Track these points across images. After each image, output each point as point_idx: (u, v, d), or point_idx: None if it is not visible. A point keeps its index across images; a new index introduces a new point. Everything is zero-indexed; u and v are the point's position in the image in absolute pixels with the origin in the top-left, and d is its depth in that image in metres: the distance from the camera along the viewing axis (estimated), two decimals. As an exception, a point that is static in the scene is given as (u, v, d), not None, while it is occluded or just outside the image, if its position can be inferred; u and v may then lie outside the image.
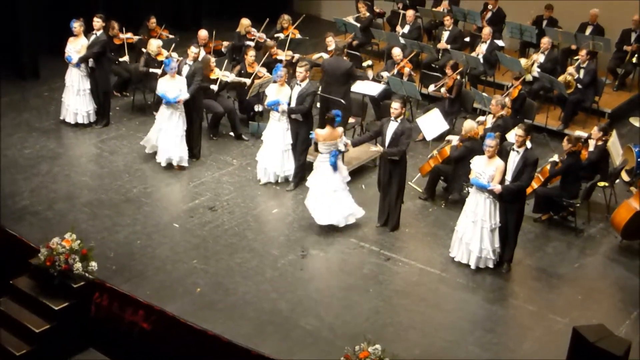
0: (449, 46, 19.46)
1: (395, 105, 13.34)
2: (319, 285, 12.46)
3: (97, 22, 16.45)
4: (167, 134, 15.15)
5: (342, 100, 15.31)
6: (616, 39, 19.35)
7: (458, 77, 17.04)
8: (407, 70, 17.38)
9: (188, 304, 11.77)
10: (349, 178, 14.09)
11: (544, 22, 20.01)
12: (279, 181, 15.05)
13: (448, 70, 17.07)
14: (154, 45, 16.70)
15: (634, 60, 19.17)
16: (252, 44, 18.44)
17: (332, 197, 13.61)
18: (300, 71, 14.77)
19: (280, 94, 14.76)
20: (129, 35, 18.20)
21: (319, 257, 13.16)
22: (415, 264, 13.06)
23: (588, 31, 19.40)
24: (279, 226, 13.97)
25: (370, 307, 11.98)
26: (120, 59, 17.88)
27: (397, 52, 17.76)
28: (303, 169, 14.96)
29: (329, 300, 12.11)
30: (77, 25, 16.36)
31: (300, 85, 14.76)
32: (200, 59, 15.92)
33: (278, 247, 13.38)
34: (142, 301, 11.05)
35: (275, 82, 14.98)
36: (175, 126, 15.10)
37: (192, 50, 15.47)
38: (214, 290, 12.17)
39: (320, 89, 15.93)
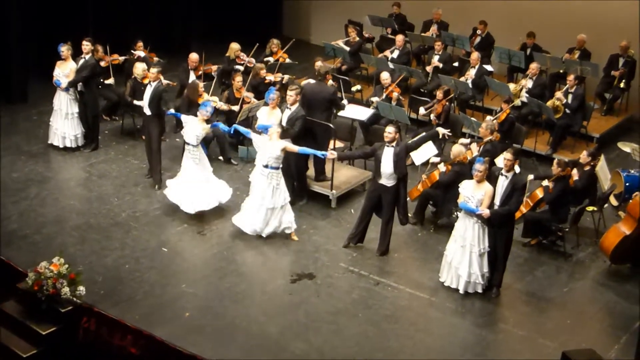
0: (440, 64, 19.52)
1: (390, 130, 13.33)
2: (308, 310, 12.41)
3: (86, 45, 16.49)
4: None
5: (331, 125, 15.31)
6: (604, 64, 19.43)
7: (447, 103, 17.07)
8: (395, 94, 17.40)
9: (177, 328, 11.71)
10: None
11: (528, 50, 20.08)
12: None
13: (439, 95, 17.07)
14: (139, 68, 16.64)
15: (622, 85, 19.25)
16: (241, 68, 18.45)
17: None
18: (291, 95, 14.77)
19: (272, 117, 14.75)
20: (115, 56, 18.18)
21: (308, 281, 13.12)
22: (405, 289, 13.04)
23: (576, 56, 19.48)
24: (267, 250, 13.93)
25: (359, 332, 11.95)
26: (106, 82, 17.82)
27: (385, 76, 17.78)
28: (304, 190, 15.03)
29: (318, 324, 12.07)
30: (65, 49, 16.36)
31: (290, 109, 14.76)
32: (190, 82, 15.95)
33: (267, 271, 13.36)
34: (131, 326, 11.01)
35: (267, 104, 15.00)
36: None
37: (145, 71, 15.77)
38: (203, 314, 12.12)
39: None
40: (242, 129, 14.46)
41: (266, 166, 13.72)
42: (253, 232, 14.04)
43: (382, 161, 13.31)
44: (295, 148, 13.95)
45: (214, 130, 15.11)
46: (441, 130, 14.93)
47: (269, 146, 13.70)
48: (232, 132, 14.54)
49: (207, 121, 14.39)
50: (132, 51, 18.32)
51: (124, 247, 13.71)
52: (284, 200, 13.95)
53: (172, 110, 15.11)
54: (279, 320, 12.09)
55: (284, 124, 14.62)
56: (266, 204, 13.82)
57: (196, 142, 14.30)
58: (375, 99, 17.39)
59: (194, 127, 14.32)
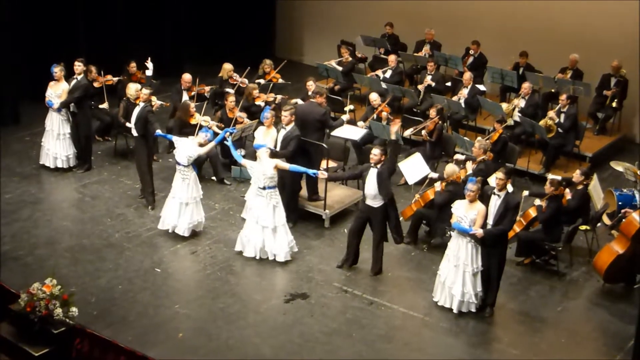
0: (433, 83, 19.55)
1: (375, 152, 13.35)
2: (302, 330, 12.38)
3: (78, 66, 16.51)
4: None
5: (324, 145, 15.33)
6: (596, 83, 19.49)
7: (440, 121, 17.09)
8: (384, 114, 17.39)
9: (170, 349, 11.69)
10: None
11: (521, 69, 20.14)
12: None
13: (432, 113, 17.10)
14: (132, 89, 16.59)
15: (614, 104, 19.31)
16: (231, 90, 18.39)
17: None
18: (286, 115, 14.81)
19: (267, 136, 14.83)
20: (109, 77, 18.19)
21: (302, 301, 13.10)
22: (398, 308, 13.02)
23: (568, 76, 19.54)
24: (261, 270, 13.90)
25: (353, 352, 11.92)
26: (100, 106, 17.79)
27: (374, 97, 17.79)
28: (294, 212, 15.05)
29: (312, 345, 12.04)
30: (57, 70, 16.37)
31: (285, 128, 14.80)
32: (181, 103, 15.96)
33: (261, 292, 13.33)
34: (124, 347, 10.97)
35: (262, 123, 15.04)
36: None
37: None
38: (197, 335, 12.09)
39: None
40: (234, 153, 14.48)
41: (263, 188, 13.74)
42: (255, 254, 14.07)
43: (367, 182, 13.36)
44: (286, 165, 13.98)
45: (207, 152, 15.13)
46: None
47: (261, 167, 13.71)
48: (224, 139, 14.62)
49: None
50: (127, 70, 18.36)
51: (117, 268, 13.68)
52: (283, 219, 13.99)
53: (159, 132, 15.02)
54: (273, 341, 12.06)
55: (279, 143, 14.65)
56: (268, 224, 13.86)
57: (187, 162, 14.30)
58: (360, 124, 17.38)
59: (186, 148, 14.33)
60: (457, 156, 15.98)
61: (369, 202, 13.45)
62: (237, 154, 14.53)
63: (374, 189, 13.29)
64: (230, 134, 14.92)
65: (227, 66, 19.03)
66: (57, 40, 19.67)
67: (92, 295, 12.81)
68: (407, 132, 17.52)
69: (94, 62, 18.01)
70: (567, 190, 14.46)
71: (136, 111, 15.29)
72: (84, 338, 11.15)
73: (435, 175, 15.20)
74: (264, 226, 13.89)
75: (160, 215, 14.82)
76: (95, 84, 17.82)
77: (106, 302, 12.72)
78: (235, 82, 18.83)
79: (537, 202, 14.12)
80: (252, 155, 14.82)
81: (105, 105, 17.82)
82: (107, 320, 12.23)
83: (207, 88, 18.60)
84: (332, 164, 16.12)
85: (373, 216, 13.52)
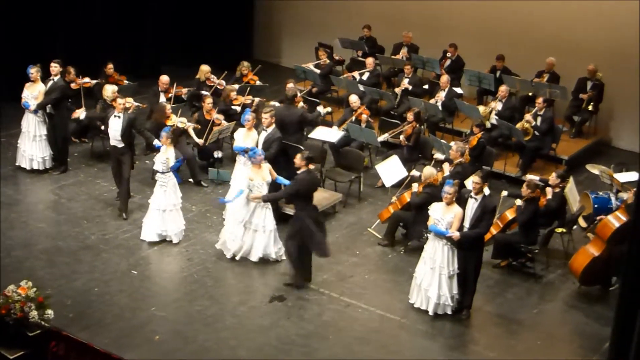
0: (410, 86, 19.57)
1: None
2: (279, 333, 12.36)
3: (55, 67, 16.42)
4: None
5: (301, 147, 15.34)
6: (572, 87, 19.58)
7: (417, 125, 17.12)
8: (364, 117, 17.42)
9: (147, 352, 11.64)
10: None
11: (498, 72, 20.22)
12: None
13: (409, 117, 17.12)
14: (109, 90, 16.49)
15: (590, 108, 19.40)
16: (207, 93, 18.35)
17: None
18: (266, 117, 14.82)
19: (248, 138, 14.84)
20: (87, 79, 18.13)
21: (279, 304, 13.08)
22: (375, 310, 13.03)
23: (545, 79, 19.62)
24: (237, 273, 13.88)
25: (330, 354, 11.92)
26: (74, 116, 17.55)
27: (354, 99, 17.79)
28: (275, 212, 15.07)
29: (289, 347, 12.03)
30: (34, 71, 16.28)
31: (266, 130, 14.81)
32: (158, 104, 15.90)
33: (238, 294, 13.31)
34: (100, 350, 10.94)
35: (241, 126, 15.05)
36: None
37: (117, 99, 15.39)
38: (173, 338, 12.05)
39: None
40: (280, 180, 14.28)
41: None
42: (238, 253, 14.05)
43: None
44: (274, 175, 13.97)
45: (184, 152, 15.07)
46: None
47: (259, 174, 13.77)
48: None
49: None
50: (104, 71, 18.32)
51: (93, 270, 13.62)
52: (272, 222, 13.98)
53: (157, 142, 14.69)
54: (250, 344, 12.04)
55: (260, 145, 14.68)
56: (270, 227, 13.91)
57: (161, 168, 14.23)
58: (335, 127, 17.40)
59: (160, 154, 14.31)
60: (437, 155, 16.04)
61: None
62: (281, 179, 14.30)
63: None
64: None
65: (205, 68, 19.01)
66: (33, 41, 19.58)
67: (68, 298, 12.74)
68: (385, 137, 17.51)
69: (71, 63, 17.94)
70: (548, 189, 14.50)
71: (117, 122, 14.96)
72: (60, 341, 11.11)
73: (417, 173, 15.17)
74: (270, 230, 13.90)
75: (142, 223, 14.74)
76: (73, 86, 17.76)
77: (82, 304, 12.65)
78: (212, 84, 18.81)
79: (519, 202, 14.14)
80: (231, 158, 14.85)
81: (80, 112, 17.45)
82: (83, 323, 12.15)
83: (185, 90, 18.56)
84: (310, 166, 16.07)
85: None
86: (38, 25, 19.86)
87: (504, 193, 14.61)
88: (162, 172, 14.21)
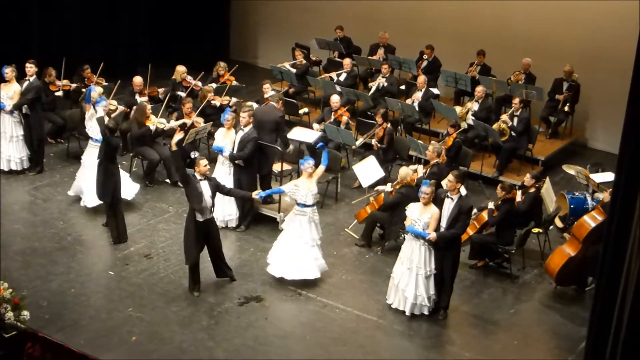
0: (385, 82, 19.58)
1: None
2: (256, 333, 12.36)
3: (30, 68, 16.35)
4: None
5: (278, 147, 15.34)
6: (548, 87, 19.66)
7: (388, 125, 17.11)
8: (345, 118, 17.42)
9: (123, 353, 11.62)
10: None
11: (477, 68, 20.27)
12: (221, 226, 14.84)
13: (378, 119, 17.12)
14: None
15: (566, 108, 19.49)
16: (184, 94, 18.28)
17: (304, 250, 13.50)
18: (244, 116, 14.87)
19: (227, 138, 14.96)
20: (66, 82, 18.06)
21: (256, 304, 13.07)
22: (352, 311, 13.05)
23: (521, 79, 19.69)
24: (214, 273, 13.84)
25: (308, 355, 11.93)
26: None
27: (335, 99, 17.76)
28: (250, 213, 15.03)
29: (267, 348, 12.03)
30: (9, 71, 16.21)
31: (243, 130, 14.83)
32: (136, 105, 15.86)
33: (214, 295, 13.28)
34: (76, 351, 10.91)
35: (220, 126, 15.16)
36: None
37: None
38: (150, 339, 12.02)
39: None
40: (277, 189, 14.31)
41: (305, 205, 13.49)
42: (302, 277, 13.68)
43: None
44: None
45: (160, 152, 15.08)
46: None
47: (306, 184, 13.57)
48: (261, 197, 14.19)
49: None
50: (82, 74, 18.27)
51: (69, 271, 13.56)
52: (318, 234, 13.77)
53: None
54: (227, 345, 12.03)
55: (236, 145, 14.74)
56: (308, 241, 13.56)
57: (97, 135, 14.70)
58: (315, 126, 17.41)
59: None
60: (412, 167, 15.91)
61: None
62: (278, 189, 14.31)
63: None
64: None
65: (181, 68, 18.95)
66: (8, 41, 19.45)
67: (44, 299, 12.69)
68: (360, 142, 17.45)
69: (46, 63, 17.84)
70: (519, 192, 14.57)
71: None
72: (36, 342, 11.07)
73: (385, 187, 15.05)
74: (305, 243, 13.54)
75: None
76: (52, 87, 17.70)
77: (58, 305, 12.60)
78: (188, 85, 18.75)
79: (490, 205, 14.20)
80: (211, 158, 14.86)
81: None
82: (59, 324, 12.11)
83: (161, 90, 18.51)
84: (286, 166, 16.09)
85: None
86: (13, 25, 19.73)
87: (490, 205, 14.47)
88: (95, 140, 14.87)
